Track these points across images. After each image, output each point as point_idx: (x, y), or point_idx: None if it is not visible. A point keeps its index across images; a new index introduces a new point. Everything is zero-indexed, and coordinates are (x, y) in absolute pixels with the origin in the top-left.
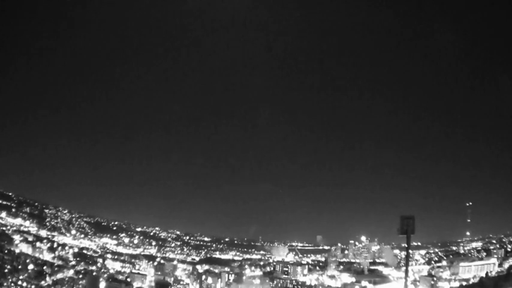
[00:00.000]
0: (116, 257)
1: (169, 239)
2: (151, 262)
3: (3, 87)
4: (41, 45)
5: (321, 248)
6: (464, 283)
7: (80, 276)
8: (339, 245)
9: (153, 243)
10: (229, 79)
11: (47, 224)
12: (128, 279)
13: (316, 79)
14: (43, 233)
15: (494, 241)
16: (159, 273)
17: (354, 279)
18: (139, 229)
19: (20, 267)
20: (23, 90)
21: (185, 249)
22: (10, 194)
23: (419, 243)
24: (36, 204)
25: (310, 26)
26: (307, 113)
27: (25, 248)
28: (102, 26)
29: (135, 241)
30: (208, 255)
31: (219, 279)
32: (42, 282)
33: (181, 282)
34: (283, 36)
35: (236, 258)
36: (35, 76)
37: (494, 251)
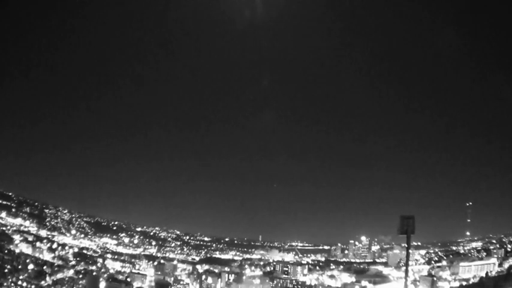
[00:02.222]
0: (116, 257)
1: (169, 239)
2: (151, 262)
3: (3, 87)
4: (40, 46)
5: (321, 247)
6: (464, 283)
7: (80, 276)
8: (339, 245)
9: (153, 243)
10: (231, 77)
11: (47, 224)
12: (128, 279)
13: (316, 78)
14: (43, 233)
15: (494, 241)
16: (159, 273)
17: (353, 279)
18: (139, 229)
19: (20, 267)
20: (23, 91)
21: (185, 249)
22: (10, 194)
23: (419, 243)
24: (36, 204)
25: (314, 23)
26: (307, 112)
27: (25, 248)
28: (100, 24)
29: (135, 241)
30: (208, 255)
31: (219, 279)
32: (42, 282)
33: (181, 282)
34: (289, 33)
35: (236, 258)
36: (34, 77)
37: (494, 251)
